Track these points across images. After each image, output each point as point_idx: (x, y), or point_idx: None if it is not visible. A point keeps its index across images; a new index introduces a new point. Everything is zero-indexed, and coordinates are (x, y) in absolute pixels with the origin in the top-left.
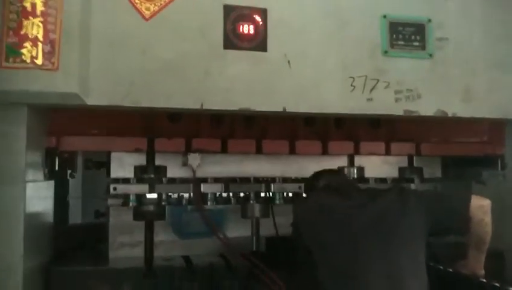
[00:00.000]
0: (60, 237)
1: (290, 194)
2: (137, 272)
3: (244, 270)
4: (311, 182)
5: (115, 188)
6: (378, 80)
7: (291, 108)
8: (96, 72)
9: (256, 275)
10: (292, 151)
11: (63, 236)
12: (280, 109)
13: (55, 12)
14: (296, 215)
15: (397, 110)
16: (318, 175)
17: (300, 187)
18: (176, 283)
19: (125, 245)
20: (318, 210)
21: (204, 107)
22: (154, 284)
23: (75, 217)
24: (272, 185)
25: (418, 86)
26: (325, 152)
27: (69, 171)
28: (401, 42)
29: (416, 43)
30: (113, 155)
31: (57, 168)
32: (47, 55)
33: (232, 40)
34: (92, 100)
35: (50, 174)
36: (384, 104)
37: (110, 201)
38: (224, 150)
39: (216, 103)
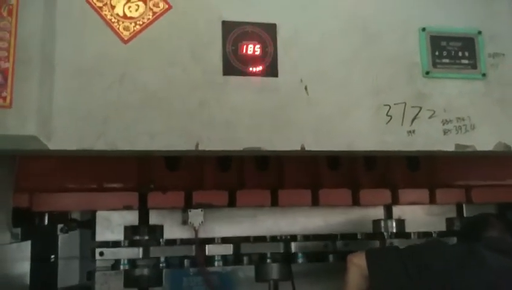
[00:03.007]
0: None
1: None
2: None
3: None
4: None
5: (101, 253)
6: (420, 108)
7: (311, 146)
8: (61, 108)
9: None
10: (315, 202)
11: None
12: (297, 148)
13: (7, 35)
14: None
15: (447, 144)
16: (482, 223)
17: (326, 245)
18: None
19: None
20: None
21: (200, 148)
22: None
23: (72, 279)
24: (292, 244)
25: (471, 114)
26: (355, 202)
27: (59, 226)
28: (446, 60)
29: (464, 61)
30: (99, 214)
31: (46, 223)
32: None
33: (234, 64)
34: (55, 144)
35: (25, 234)
36: (430, 137)
37: (97, 263)
38: (232, 203)
39: (215, 142)
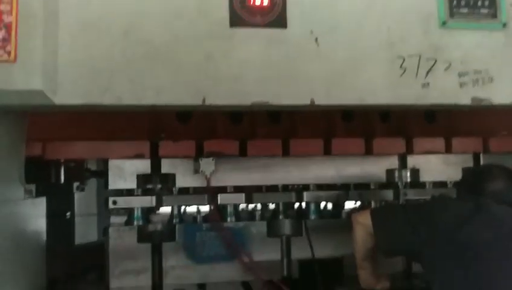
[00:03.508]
0: (59, 260)
1: (329, 205)
2: None
3: None
4: (473, 183)
5: (114, 202)
6: (436, 60)
7: (322, 100)
8: (67, 62)
9: None
10: (328, 151)
11: (64, 259)
12: (306, 102)
13: None
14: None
15: (463, 98)
16: (486, 174)
17: (338, 195)
18: None
19: (128, 272)
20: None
21: (207, 103)
22: None
23: (90, 235)
24: (305, 194)
25: (489, 66)
26: (369, 151)
27: (76, 184)
28: (464, 10)
29: (484, 10)
30: (111, 163)
31: (62, 180)
32: (1, 43)
33: (241, 15)
34: (61, 98)
35: (40, 190)
36: (445, 91)
37: (112, 219)
38: (243, 152)
39: (222, 96)
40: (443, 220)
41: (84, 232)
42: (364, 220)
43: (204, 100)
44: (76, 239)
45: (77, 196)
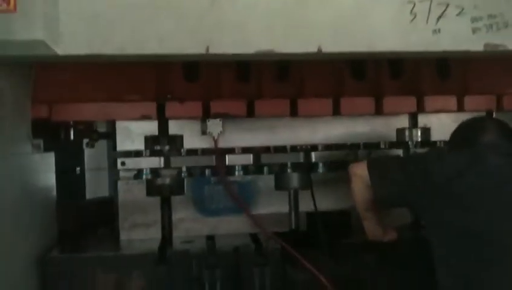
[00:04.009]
0: (70, 214)
1: None
2: (148, 259)
3: (279, 253)
4: (466, 135)
5: (123, 163)
6: (447, 5)
7: (329, 47)
8: (67, 11)
9: (293, 259)
10: (337, 111)
11: (75, 213)
12: (314, 50)
13: None
14: (430, 174)
15: (476, 44)
16: (479, 126)
17: (347, 155)
18: (194, 271)
19: (138, 225)
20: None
21: (210, 51)
22: (169, 272)
23: (101, 190)
24: (313, 154)
25: (505, 10)
26: (379, 111)
27: (85, 141)
28: None
29: None
30: (119, 125)
31: (72, 137)
32: None
33: None
34: (63, 49)
35: (48, 146)
36: (457, 37)
37: (121, 174)
38: (251, 113)
39: (226, 45)
40: (438, 171)
41: (95, 187)
42: (361, 171)
43: (208, 49)
44: (87, 194)
45: (87, 152)
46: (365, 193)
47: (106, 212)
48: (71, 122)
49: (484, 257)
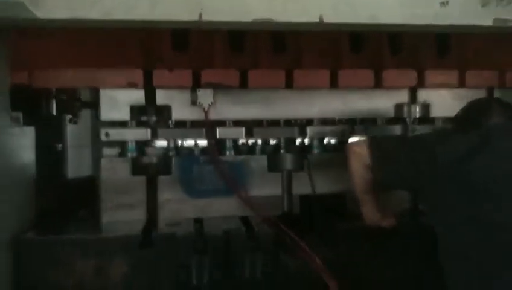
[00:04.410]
0: (50, 194)
1: (332, 141)
2: (131, 242)
3: (271, 238)
4: (472, 116)
5: (107, 134)
6: None
7: (330, 17)
8: None
9: (286, 244)
10: (334, 84)
11: (55, 193)
12: (314, 19)
13: None
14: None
15: (484, 18)
16: (485, 108)
17: (344, 132)
18: (181, 255)
19: (121, 206)
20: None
21: (204, 18)
22: (154, 256)
23: (83, 169)
24: (308, 129)
25: None
26: (378, 85)
27: (68, 117)
28: None
29: None
30: (103, 92)
31: (54, 109)
32: None
33: None
34: (44, 12)
35: (28, 120)
36: (465, 10)
37: (104, 151)
38: (244, 84)
39: (221, 12)
40: (445, 152)
41: (77, 165)
42: (361, 150)
43: (201, 15)
44: (69, 173)
45: (70, 128)
46: (364, 173)
47: (88, 192)
48: (53, 92)
49: (496, 243)
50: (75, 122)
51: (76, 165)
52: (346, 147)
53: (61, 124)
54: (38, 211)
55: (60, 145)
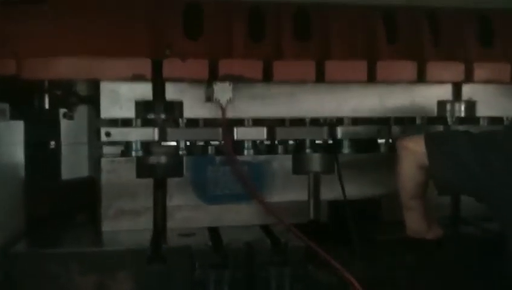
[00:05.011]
0: (42, 198)
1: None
2: (137, 256)
3: (299, 250)
4: None
5: (108, 134)
6: None
7: None
8: None
9: (317, 258)
10: (371, 77)
11: (48, 197)
12: None
13: None
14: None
15: None
16: None
17: (380, 131)
18: (196, 271)
19: (124, 213)
20: None
21: None
22: (164, 273)
23: (81, 170)
24: (339, 129)
25: None
26: (420, 78)
27: (62, 111)
28: None
29: None
30: (104, 86)
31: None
32: None
33: None
34: None
35: (16, 113)
36: None
37: (105, 149)
38: (267, 77)
39: None
40: None
41: (72, 165)
42: (416, 147)
43: None
44: (63, 174)
45: (64, 124)
46: (417, 174)
47: (86, 194)
48: (45, 84)
49: None
50: (71, 118)
51: (71, 165)
52: (398, 143)
53: (54, 118)
54: (29, 217)
55: (53, 143)
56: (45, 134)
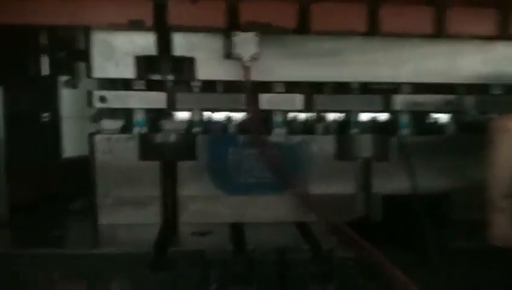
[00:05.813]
0: (27, 182)
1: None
2: (138, 260)
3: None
4: None
5: (102, 98)
6: None
7: None
8: None
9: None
10: (438, 30)
11: (38, 178)
12: None
13: None
14: None
15: None
16: None
17: (448, 103)
18: (212, 282)
19: (125, 203)
20: None
21: None
22: (173, 282)
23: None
24: (396, 98)
25: None
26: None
27: (63, 78)
28: None
29: None
30: (95, 36)
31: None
32: None
33: None
34: None
35: None
36: None
37: (102, 124)
38: (303, 26)
39: None
40: None
41: (75, 142)
42: None
43: None
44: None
45: (66, 92)
46: None
47: (84, 177)
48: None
49: None
50: (74, 86)
51: (73, 142)
52: (493, 124)
53: (50, 87)
54: (11, 208)
55: (46, 115)
56: (38, 104)
